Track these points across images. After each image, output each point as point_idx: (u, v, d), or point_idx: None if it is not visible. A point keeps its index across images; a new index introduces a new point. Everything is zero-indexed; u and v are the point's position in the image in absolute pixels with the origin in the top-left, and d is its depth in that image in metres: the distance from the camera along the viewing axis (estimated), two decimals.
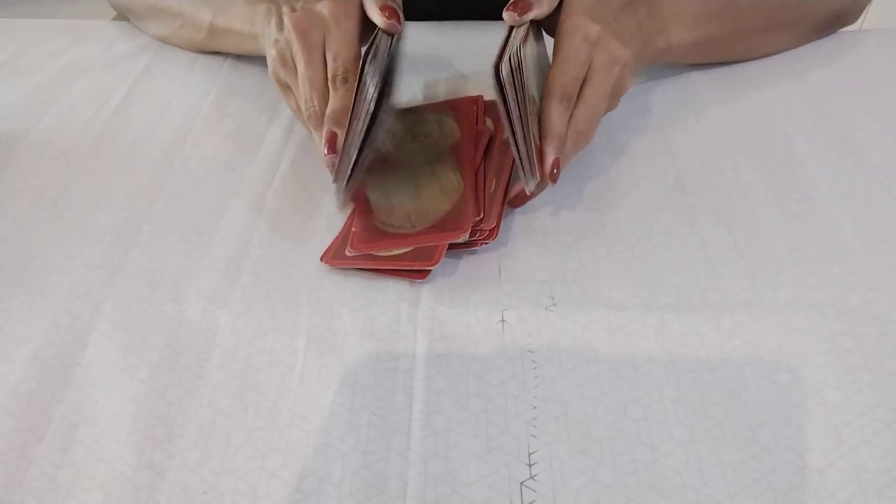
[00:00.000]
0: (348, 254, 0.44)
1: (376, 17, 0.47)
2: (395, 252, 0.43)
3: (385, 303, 0.42)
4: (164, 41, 0.66)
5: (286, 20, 0.48)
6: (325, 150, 0.44)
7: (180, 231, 0.47)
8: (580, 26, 0.45)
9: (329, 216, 0.48)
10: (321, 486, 0.34)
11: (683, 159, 0.52)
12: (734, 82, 0.59)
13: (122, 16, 0.69)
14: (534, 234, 0.46)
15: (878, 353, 0.39)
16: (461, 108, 0.52)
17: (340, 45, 0.47)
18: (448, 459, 0.35)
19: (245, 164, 0.53)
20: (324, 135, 0.45)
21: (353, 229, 0.45)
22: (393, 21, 0.46)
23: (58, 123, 0.57)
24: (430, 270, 0.43)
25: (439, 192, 0.46)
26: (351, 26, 0.48)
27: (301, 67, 0.47)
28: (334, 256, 0.44)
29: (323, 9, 0.48)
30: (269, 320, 0.42)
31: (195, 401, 0.38)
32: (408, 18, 0.50)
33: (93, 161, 0.53)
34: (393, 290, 0.43)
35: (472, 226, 0.43)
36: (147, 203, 0.50)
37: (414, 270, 0.43)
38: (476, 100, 0.53)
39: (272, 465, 0.35)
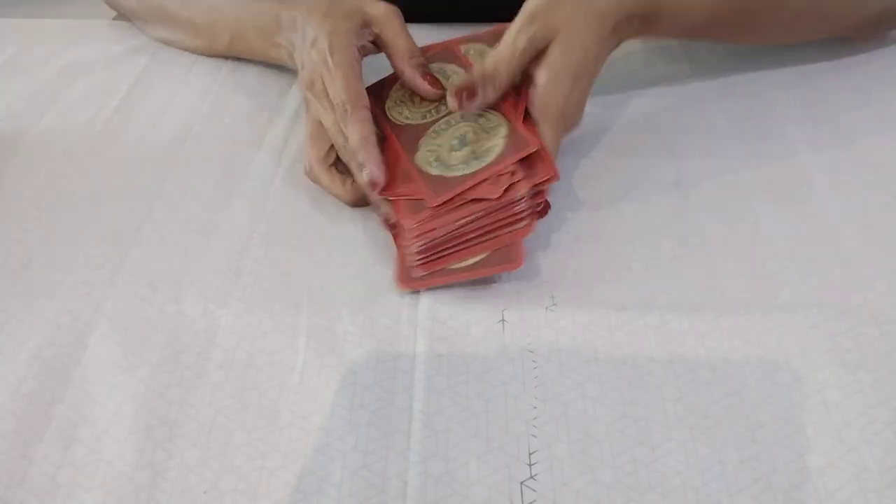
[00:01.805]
0: (416, 276, 0.42)
1: (419, 85, 0.48)
2: (471, 261, 0.42)
3: (385, 303, 0.42)
4: (169, 44, 0.66)
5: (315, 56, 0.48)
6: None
7: (180, 231, 0.47)
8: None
9: (329, 216, 0.48)
10: (321, 486, 0.34)
11: (683, 159, 0.52)
12: (734, 82, 0.59)
13: (123, 16, 0.69)
14: (534, 234, 0.46)
15: (878, 353, 0.39)
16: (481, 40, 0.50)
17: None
18: (448, 459, 0.35)
19: (245, 163, 0.53)
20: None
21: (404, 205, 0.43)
22: (436, 90, 0.47)
23: (58, 123, 0.57)
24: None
25: (483, 132, 0.44)
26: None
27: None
28: (411, 277, 0.43)
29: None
30: (269, 320, 0.42)
31: (195, 401, 0.38)
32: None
33: (93, 161, 0.53)
34: (393, 291, 0.43)
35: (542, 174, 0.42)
36: (147, 203, 0.50)
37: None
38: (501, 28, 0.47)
39: (272, 465, 0.35)
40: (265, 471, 0.35)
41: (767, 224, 0.47)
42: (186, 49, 0.64)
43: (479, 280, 0.43)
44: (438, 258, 0.42)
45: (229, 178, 0.51)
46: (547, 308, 0.42)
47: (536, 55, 0.44)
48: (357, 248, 0.46)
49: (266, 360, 0.40)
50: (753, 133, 0.54)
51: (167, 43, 0.66)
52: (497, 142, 0.43)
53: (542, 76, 0.44)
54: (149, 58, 0.64)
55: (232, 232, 0.47)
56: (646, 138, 0.54)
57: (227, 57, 0.63)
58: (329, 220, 0.48)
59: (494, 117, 0.45)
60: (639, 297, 0.42)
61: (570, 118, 0.46)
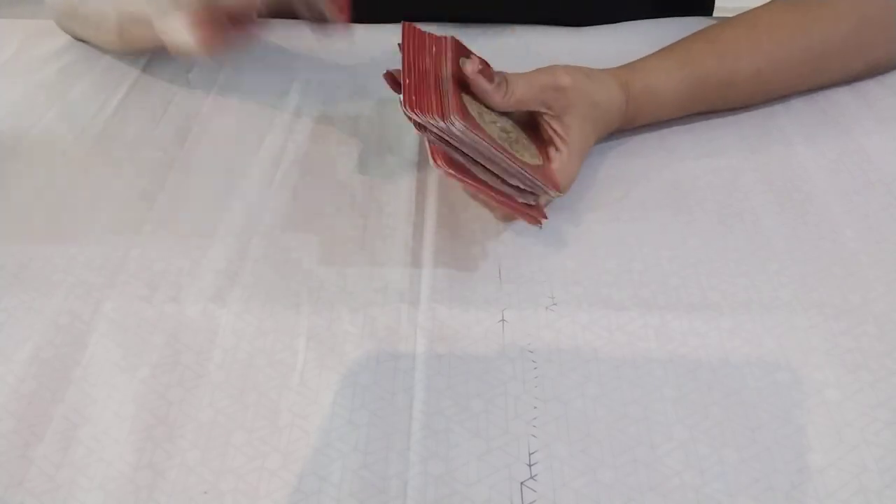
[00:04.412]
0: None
1: None
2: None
3: (385, 303, 0.42)
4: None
5: None
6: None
7: (180, 231, 0.47)
8: None
9: (329, 217, 0.48)
10: (321, 486, 0.34)
11: (682, 159, 0.52)
12: None
13: None
14: (534, 234, 0.46)
15: (878, 353, 0.39)
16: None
17: None
18: (448, 459, 0.35)
19: (245, 164, 0.53)
20: None
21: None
22: None
23: (58, 123, 0.57)
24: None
25: (521, 142, 0.45)
26: None
27: None
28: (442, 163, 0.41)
29: None
30: (269, 320, 0.42)
31: (195, 401, 0.38)
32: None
33: (93, 161, 0.53)
34: (393, 291, 0.43)
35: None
36: (147, 203, 0.50)
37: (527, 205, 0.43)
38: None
39: (272, 465, 0.35)
40: (265, 471, 0.35)
41: (767, 224, 0.47)
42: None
43: (480, 280, 0.43)
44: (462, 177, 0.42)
45: (229, 178, 0.51)
46: (547, 308, 0.42)
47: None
48: (357, 248, 0.46)
49: (266, 360, 0.40)
50: (753, 133, 0.54)
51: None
52: (529, 158, 0.44)
53: (563, 150, 0.46)
54: (148, 58, 0.64)
55: (232, 232, 0.47)
56: (646, 138, 0.54)
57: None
58: (329, 220, 0.48)
59: (532, 147, 0.46)
60: (639, 297, 0.42)
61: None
